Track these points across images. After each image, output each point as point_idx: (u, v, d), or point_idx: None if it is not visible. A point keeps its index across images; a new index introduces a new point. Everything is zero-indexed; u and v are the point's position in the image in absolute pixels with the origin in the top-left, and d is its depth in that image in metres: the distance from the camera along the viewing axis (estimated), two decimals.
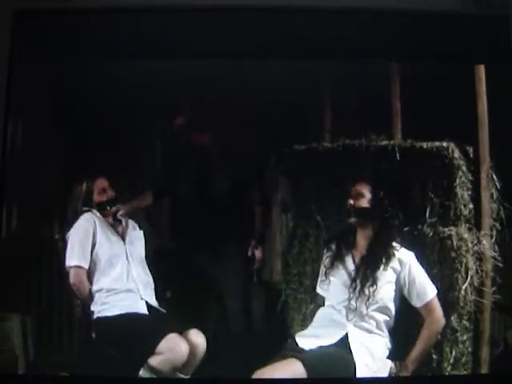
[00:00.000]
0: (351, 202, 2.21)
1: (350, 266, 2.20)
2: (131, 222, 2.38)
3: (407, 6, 2.10)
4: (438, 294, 2.15)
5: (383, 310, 2.14)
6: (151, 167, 2.45)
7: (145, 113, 2.32)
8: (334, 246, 2.24)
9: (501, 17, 2.10)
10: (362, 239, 2.21)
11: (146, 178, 2.45)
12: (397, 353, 2.13)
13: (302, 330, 2.22)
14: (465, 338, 2.23)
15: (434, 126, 2.29)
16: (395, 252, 2.17)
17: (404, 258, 2.17)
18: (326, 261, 2.25)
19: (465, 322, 2.22)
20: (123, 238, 2.34)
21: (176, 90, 2.27)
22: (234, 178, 2.34)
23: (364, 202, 2.20)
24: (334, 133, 2.39)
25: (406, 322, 2.16)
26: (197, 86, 2.27)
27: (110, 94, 2.27)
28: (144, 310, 2.26)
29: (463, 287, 2.21)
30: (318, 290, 2.25)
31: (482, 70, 2.28)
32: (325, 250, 2.27)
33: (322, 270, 2.25)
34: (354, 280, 2.15)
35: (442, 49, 2.15)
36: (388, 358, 2.12)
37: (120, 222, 2.36)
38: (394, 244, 2.19)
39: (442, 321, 2.15)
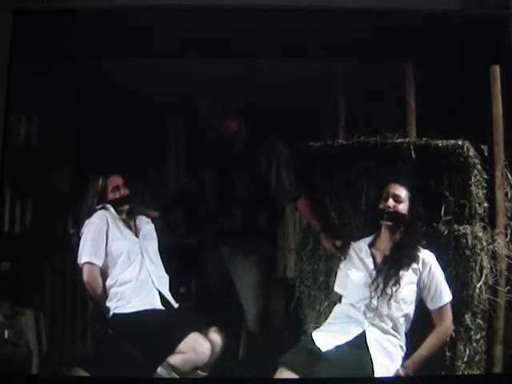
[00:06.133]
0: (389, 204, 2.18)
1: (371, 265, 2.19)
2: (143, 217, 2.37)
3: (408, 6, 2.11)
4: (452, 292, 2.14)
5: (404, 311, 2.13)
6: (166, 164, 2.45)
7: (146, 112, 2.31)
8: (353, 245, 2.24)
9: (501, 17, 2.11)
10: (387, 241, 2.20)
11: (161, 175, 2.44)
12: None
13: (317, 326, 2.22)
14: (479, 336, 2.23)
15: (448, 124, 2.29)
16: (418, 253, 2.16)
17: (426, 258, 2.16)
18: (344, 259, 2.24)
19: (479, 320, 2.22)
20: (136, 234, 2.33)
21: (181, 89, 2.26)
22: (251, 175, 2.34)
23: (402, 208, 2.17)
24: (349, 130, 2.38)
25: (417, 326, 2.15)
26: (210, 85, 2.27)
27: (110, 94, 2.26)
28: (159, 304, 2.25)
29: (477, 286, 2.21)
30: (336, 288, 2.24)
31: (496, 69, 2.27)
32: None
33: (340, 268, 2.24)
34: (375, 279, 2.14)
35: (443, 49, 2.16)
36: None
37: (133, 217, 2.36)
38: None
39: (451, 329, 2.15)
